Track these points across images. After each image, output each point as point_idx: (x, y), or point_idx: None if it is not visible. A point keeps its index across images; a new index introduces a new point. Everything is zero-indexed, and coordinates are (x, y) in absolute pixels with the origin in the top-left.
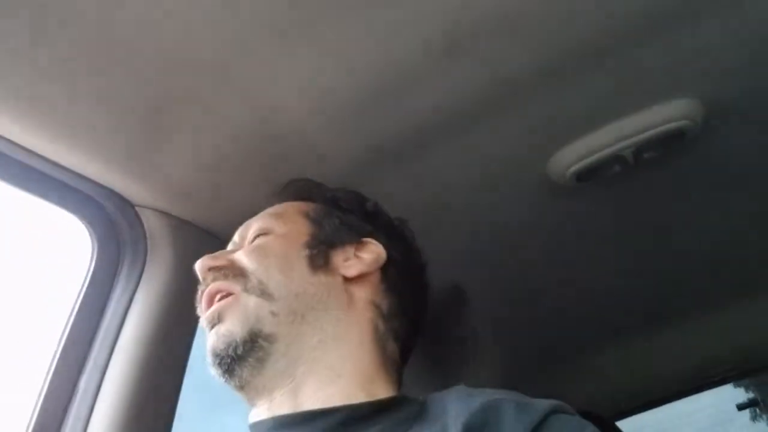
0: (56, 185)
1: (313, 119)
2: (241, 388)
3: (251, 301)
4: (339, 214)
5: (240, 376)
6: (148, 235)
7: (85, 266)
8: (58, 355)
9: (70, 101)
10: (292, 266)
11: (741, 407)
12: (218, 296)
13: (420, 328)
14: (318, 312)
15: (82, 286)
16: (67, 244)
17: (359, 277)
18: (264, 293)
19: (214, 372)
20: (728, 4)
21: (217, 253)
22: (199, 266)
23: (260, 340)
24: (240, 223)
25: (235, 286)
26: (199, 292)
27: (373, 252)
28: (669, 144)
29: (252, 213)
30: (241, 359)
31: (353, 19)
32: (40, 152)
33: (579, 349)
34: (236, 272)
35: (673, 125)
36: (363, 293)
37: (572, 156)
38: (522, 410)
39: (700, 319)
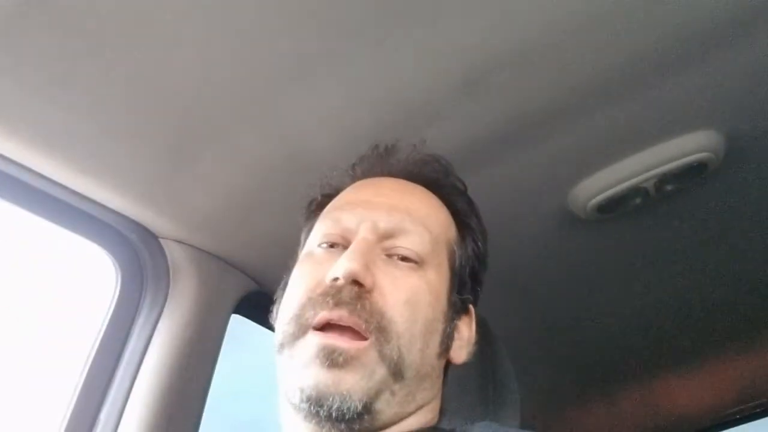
0: (82, 217)
1: (336, 152)
2: (311, 429)
3: (380, 371)
4: (467, 252)
5: (326, 427)
6: (171, 266)
7: (109, 296)
8: (80, 385)
9: (97, 136)
10: (430, 343)
11: None
12: (349, 334)
13: None
14: (424, 392)
15: (106, 315)
16: (91, 275)
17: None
18: (396, 370)
19: (296, 402)
20: (747, 38)
21: (367, 256)
22: (344, 269)
23: (366, 416)
24: (262, 257)
25: (369, 338)
26: (321, 302)
27: (469, 328)
28: (690, 176)
29: (275, 245)
30: (341, 420)
31: (375, 55)
32: (66, 184)
33: (599, 386)
34: (379, 321)
35: (694, 157)
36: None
37: (593, 188)
38: None
39: (725, 351)
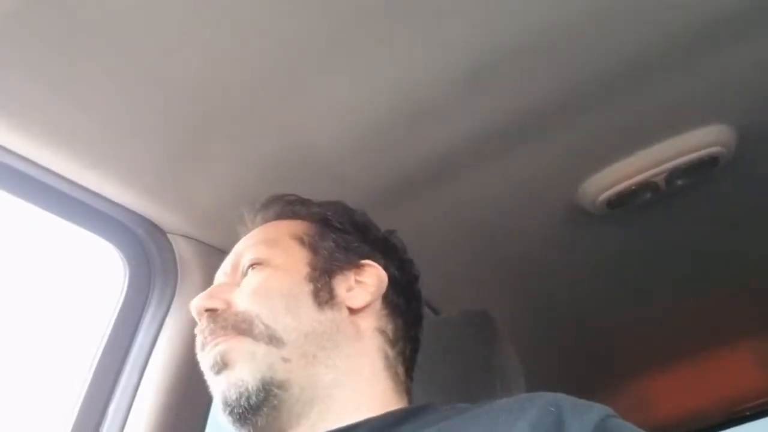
0: (90, 212)
1: (341, 147)
2: None
3: (260, 349)
4: (332, 234)
5: (254, 423)
6: (178, 262)
7: (117, 291)
8: (89, 379)
9: (105, 131)
10: (298, 304)
11: None
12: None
13: (419, 341)
14: (329, 350)
15: (114, 310)
16: (99, 269)
17: (363, 306)
18: (273, 339)
19: (225, 418)
20: (758, 31)
21: (213, 290)
22: (194, 306)
23: (274, 389)
24: None
25: (238, 337)
26: (197, 334)
27: (374, 276)
28: (701, 170)
29: None
30: (255, 409)
31: (380, 48)
32: (74, 179)
33: (608, 380)
34: (235, 320)
35: (705, 152)
36: (368, 322)
37: (603, 183)
38: (582, 410)
39: (738, 346)
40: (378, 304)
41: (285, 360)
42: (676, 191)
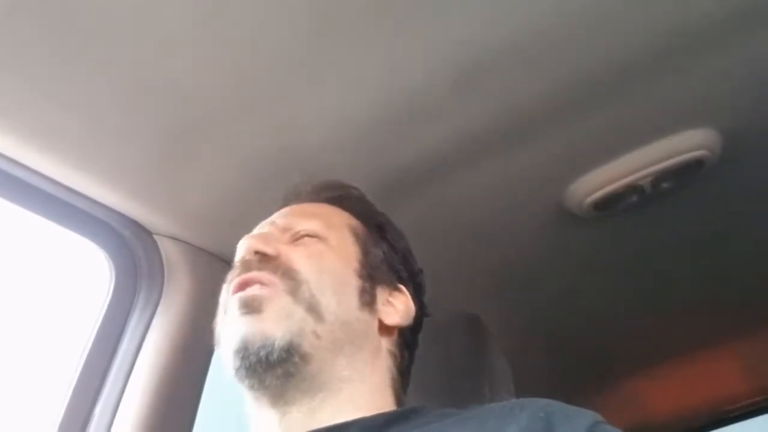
0: (75, 213)
1: (330, 148)
2: (253, 388)
3: (298, 312)
4: (383, 244)
5: (261, 380)
6: (165, 263)
7: (102, 293)
8: (74, 382)
9: (91, 131)
10: (345, 291)
11: None
12: (258, 285)
13: None
14: (355, 348)
15: (100, 312)
16: (85, 271)
17: (389, 327)
18: (312, 309)
19: (231, 361)
20: (744, 35)
21: (266, 236)
22: (246, 246)
23: (296, 356)
24: None
25: (281, 285)
26: (233, 277)
27: (404, 303)
28: (687, 174)
29: None
30: (270, 366)
31: (370, 49)
32: (60, 180)
33: (598, 381)
34: (286, 271)
35: (691, 155)
36: (387, 343)
37: (590, 185)
38: (571, 416)
39: (724, 348)
40: (397, 331)
41: (316, 335)
42: (661, 194)
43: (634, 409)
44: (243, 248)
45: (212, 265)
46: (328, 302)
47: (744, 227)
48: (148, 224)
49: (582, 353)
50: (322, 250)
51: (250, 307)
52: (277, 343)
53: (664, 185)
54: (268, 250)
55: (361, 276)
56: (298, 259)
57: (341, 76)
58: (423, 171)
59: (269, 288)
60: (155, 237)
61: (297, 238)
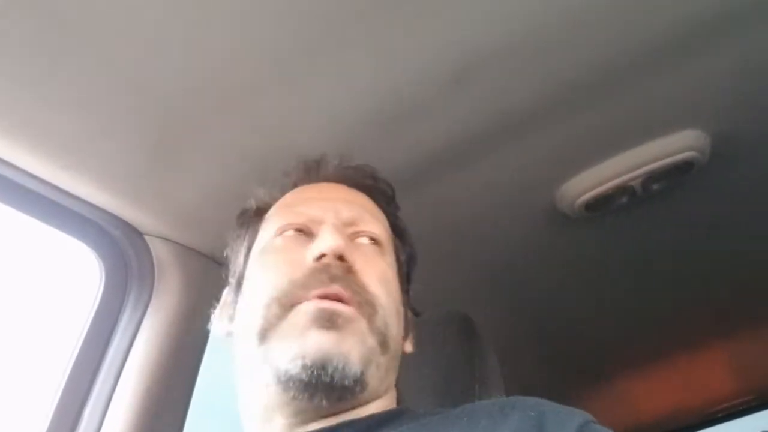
0: (65, 213)
1: (320, 148)
2: (296, 399)
3: (370, 341)
4: (403, 251)
5: (311, 394)
6: (155, 263)
7: (93, 293)
8: (64, 382)
9: (80, 131)
10: (400, 321)
11: None
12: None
13: None
14: (392, 374)
15: (90, 312)
16: (75, 271)
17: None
18: (383, 341)
19: (289, 366)
20: (735, 37)
21: (342, 246)
22: (332, 247)
23: (358, 386)
24: None
25: (359, 309)
26: (319, 265)
27: (411, 337)
28: (677, 175)
29: None
30: (332, 388)
31: (361, 49)
32: (49, 180)
33: (588, 381)
34: (362, 292)
35: (681, 156)
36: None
37: (581, 186)
38: (562, 416)
39: (712, 349)
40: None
41: (378, 366)
42: (652, 195)
43: (624, 408)
44: (326, 246)
45: (202, 265)
46: (393, 334)
47: (733, 228)
48: (138, 224)
49: (572, 353)
50: (386, 270)
51: (334, 324)
52: (353, 369)
53: (655, 186)
54: (349, 256)
55: (403, 302)
56: (372, 282)
57: (331, 76)
58: (414, 171)
59: (350, 308)
60: (145, 237)
61: (356, 237)
